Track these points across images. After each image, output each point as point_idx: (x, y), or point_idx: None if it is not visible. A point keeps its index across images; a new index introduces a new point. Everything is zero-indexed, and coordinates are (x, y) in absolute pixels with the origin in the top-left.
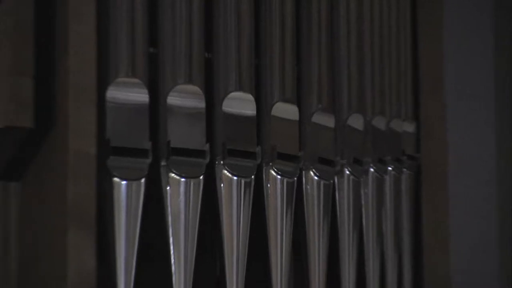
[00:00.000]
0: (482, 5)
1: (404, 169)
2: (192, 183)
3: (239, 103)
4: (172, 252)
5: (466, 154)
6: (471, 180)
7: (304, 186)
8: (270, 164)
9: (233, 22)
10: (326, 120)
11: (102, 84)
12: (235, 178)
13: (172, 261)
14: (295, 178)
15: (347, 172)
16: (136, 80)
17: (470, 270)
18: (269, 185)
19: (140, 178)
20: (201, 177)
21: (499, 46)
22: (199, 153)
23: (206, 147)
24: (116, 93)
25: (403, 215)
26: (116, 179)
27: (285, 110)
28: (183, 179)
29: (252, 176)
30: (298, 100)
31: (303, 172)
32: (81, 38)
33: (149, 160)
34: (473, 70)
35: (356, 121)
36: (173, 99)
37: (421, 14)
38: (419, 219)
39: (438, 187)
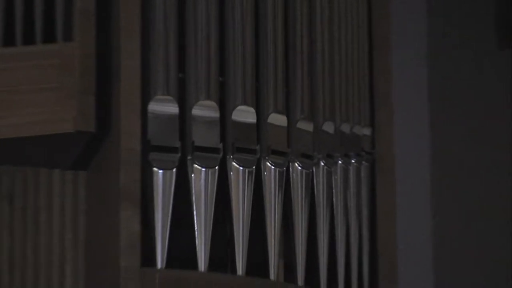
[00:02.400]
0: (416, 13)
1: (363, 162)
2: (210, 172)
3: (244, 114)
4: (195, 221)
5: (408, 149)
6: (411, 168)
7: (291, 174)
8: (267, 158)
9: (240, 55)
10: (306, 126)
11: (145, 100)
12: (241, 168)
13: (196, 227)
14: (284, 168)
15: (322, 164)
16: (169, 97)
17: (410, 231)
18: (265, 173)
19: (172, 168)
20: (216, 168)
21: (432, 52)
22: (215, 150)
23: (220, 145)
24: (155, 107)
25: (362, 195)
26: (155, 169)
27: (277, 119)
28: (203, 169)
29: (253, 167)
30: (287, 112)
31: (290, 164)
32: (129, 67)
33: (178, 155)
34: (409, 76)
35: (328, 127)
36: (196, 111)
37: (375, 54)
38: (374, 198)
39: (388, 175)
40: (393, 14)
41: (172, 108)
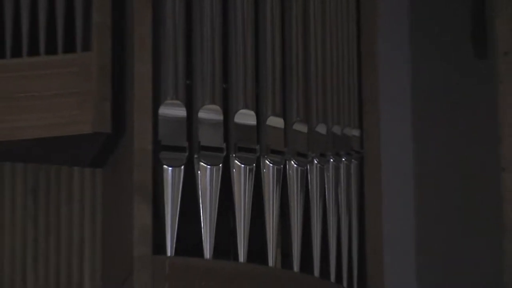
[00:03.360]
0: (400, 25)
1: (353, 160)
2: (214, 169)
3: (245, 117)
4: (201, 213)
5: (392, 149)
6: (396, 165)
7: (287, 171)
8: (265, 156)
9: (241, 64)
10: (301, 127)
11: (156, 104)
12: (242, 165)
13: (201, 219)
14: (282, 166)
15: (316, 162)
16: (178, 102)
17: (394, 221)
18: (264, 170)
19: (181, 166)
20: (220, 165)
21: (415, 61)
22: (219, 149)
23: (224, 145)
24: (165, 110)
25: (352, 190)
26: (165, 166)
27: (275, 121)
28: (208, 166)
29: (254, 164)
30: (284, 115)
31: (287, 162)
32: (142, 75)
33: (186, 154)
34: (394, 83)
35: (321, 129)
36: (202, 114)
37: (363, 63)
38: (362, 192)
39: (374, 171)
40: (379, 26)
41: (181, 112)
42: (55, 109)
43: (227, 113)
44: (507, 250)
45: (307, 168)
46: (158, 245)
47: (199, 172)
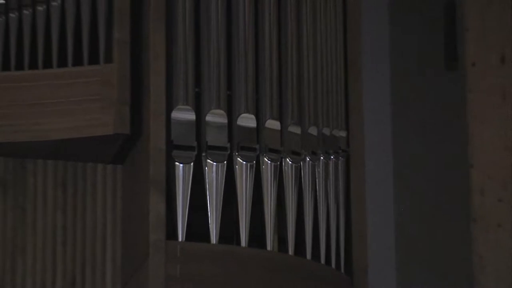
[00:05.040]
0: (381, 39)
1: (340, 157)
2: (219, 166)
3: (246, 120)
4: (208, 204)
5: (375, 148)
6: (378, 163)
7: (283, 167)
8: (264, 154)
9: (243, 74)
10: (295, 129)
11: (169, 109)
12: (244, 162)
13: (208, 209)
14: (278, 163)
15: (308, 159)
16: (188, 107)
17: (376, 212)
18: (263, 167)
19: (190, 163)
20: (225, 162)
21: (394, 71)
22: (223, 148)
23: (228, 145)
24: (177, 114)
25: (339, 184)
26: (176, 163)
27: (272, 124)
28: (214, 163)
29: (254, 162)
30: (280, 118)
31: (283, 159)
32: (157, 83)
33: (195, 152)
34: (375, 90)
35: (313, 130)
36: (209, 118)
37: (350, 73)
38: (348, 186)
39: (359, 168)
40: (363, 40)
41: (190, 115)
42: (81, 113)
43: (231, 117)
44: (475, 237)
45: (300, 165)
46: (171, 232)
47: (206, 168)
